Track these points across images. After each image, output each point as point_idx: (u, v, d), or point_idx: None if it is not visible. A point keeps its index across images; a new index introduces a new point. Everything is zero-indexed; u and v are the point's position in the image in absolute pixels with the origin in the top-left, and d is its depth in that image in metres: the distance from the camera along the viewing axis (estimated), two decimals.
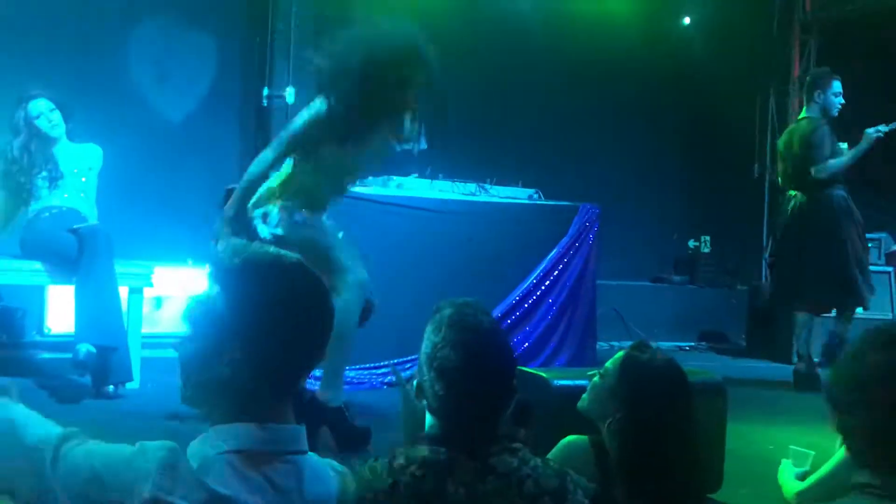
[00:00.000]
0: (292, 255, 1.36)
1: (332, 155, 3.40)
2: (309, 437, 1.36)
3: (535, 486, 1.46)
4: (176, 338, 1.38)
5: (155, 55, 5.75)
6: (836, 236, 5.14)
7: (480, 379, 1.50)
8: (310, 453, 1.34)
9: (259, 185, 3.39)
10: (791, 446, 2.58)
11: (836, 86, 5.22)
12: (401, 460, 1.45)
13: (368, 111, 3.31)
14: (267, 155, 3.40)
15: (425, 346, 1.54)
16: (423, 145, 6.49)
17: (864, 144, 5.13)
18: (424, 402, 1.55)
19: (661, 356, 1.93)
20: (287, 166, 3.47)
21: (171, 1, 5.98)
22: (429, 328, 1.56)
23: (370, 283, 3.50)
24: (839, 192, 5.21)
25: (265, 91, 6.34)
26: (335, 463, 1.43)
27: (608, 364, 1.95)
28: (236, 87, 6.46)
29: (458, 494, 1.43)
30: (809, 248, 5.18)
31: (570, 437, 1.96)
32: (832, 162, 5.15)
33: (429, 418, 1.55)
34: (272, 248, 1.38)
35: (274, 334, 1.27)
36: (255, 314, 1.27)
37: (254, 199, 3.43)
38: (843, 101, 5.23)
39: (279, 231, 3.36)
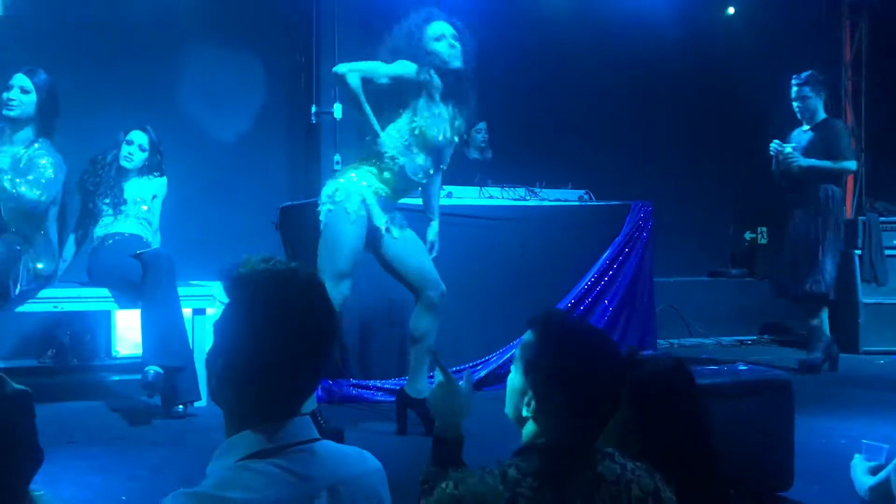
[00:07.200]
0: (305, 268, 1.40)
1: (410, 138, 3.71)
2: None
3: (639, 489, 1.48)
4: None
5: (204, 80, 5.88)
6: None
7: (605, 386, 1.52)
8: (324, 440, 1.38)
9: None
10: (864, 440, 2.53)
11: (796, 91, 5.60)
12: (514, 473, 1.45)
13: None
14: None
15: (539, 358, 1.53)
16: (489, 155, 6.60)
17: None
18: (526, 412, 1.54)
19: (649, 361, 1.88)
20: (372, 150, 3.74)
21: (216, 24, 6.11)
22: (535, 339, 1.55)
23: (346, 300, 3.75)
24: None
25: (313, 108, 6.43)
26: (354, 447, 1.47)
27: None
28: (284, 106, 6.57)
29: None
30: None
31: None
32: None
33: (530, 428, 1.54)
34: (283, 261, 1.40)
35: (266, 346, 1.31)
36: (248, 326, 1.32)
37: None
38: (797, 105, 5.61)
39: (321, 219, 3.69)
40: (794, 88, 5.58)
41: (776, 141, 5.55)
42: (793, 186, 5.58)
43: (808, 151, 5.50)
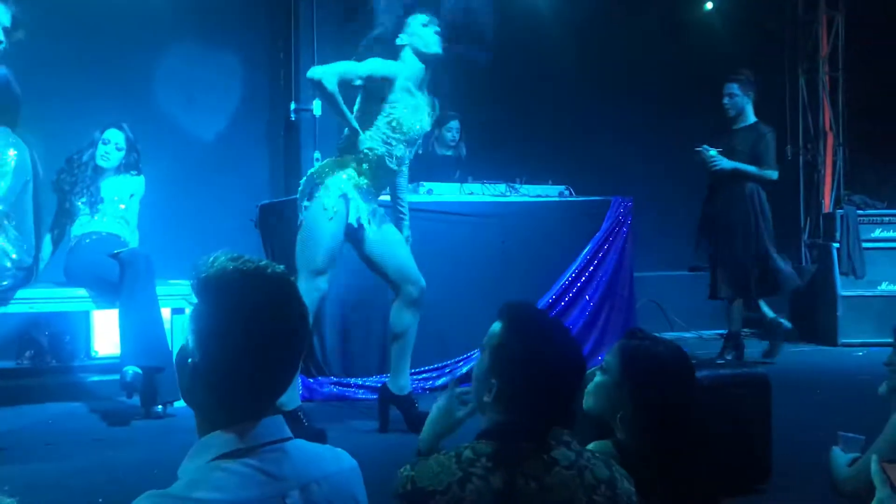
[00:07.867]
0: (275, 266, 1.37)
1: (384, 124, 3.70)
2: None
3: (592, 476, 1.51)
4: None
5: (181, 76, 5.84)
6: None
7: (563, 374, 1.57)
8: (297, 439, 1.37)
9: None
10: (840, 432, 2.54)
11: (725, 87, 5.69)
12: (468, 454, 1.48)
13: None
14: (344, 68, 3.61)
15: (506, 343, 1.58)
16: (464, 152, 6.56)
17: None
18: (485, 399, 1.58)
19: (660, 340, 1.92)
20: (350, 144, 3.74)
21: (194, 20, 6.06)
22: (504, 326, 1.61)
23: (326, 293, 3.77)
24: None
25: (292, 105, 6.40)
26: (328, 446, 1.46)
27: (607, 358, 1.92)
28: (264, 103, 6.54)
29: (529, 487, 1.46)
30: None
31: (594, 444, 1.94)
32: None
33: (491, 414, 1.58)
34: (253, 259, 1.37)
35: (236, 346, 1.29)
36: (217, 325, 1.30)
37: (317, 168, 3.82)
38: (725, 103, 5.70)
39: (300, 216, 3.70)
40: (724, 85, 5.62)
41: (705, 145, 5.59)
42: (718, 184, 5.62)
43: (734, 152, 5.55)
